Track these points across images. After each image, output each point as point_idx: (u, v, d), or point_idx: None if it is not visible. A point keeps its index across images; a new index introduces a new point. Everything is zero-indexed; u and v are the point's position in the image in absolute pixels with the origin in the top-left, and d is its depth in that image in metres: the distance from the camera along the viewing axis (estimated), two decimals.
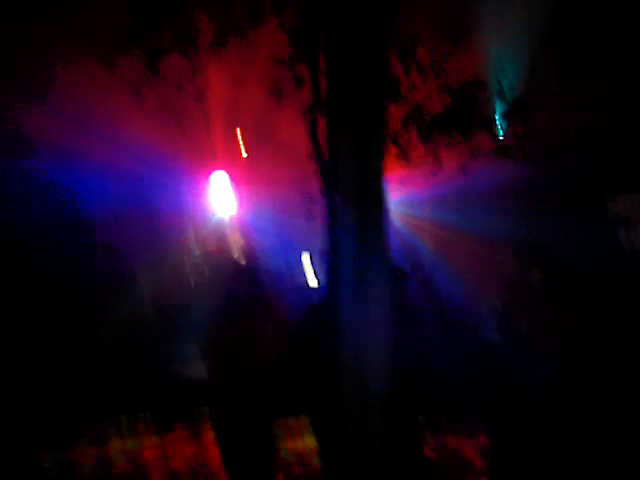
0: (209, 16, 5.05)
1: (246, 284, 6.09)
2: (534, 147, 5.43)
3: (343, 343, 3.78)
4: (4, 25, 8.11)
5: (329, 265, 4.08)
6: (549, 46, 8.90)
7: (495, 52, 8.80)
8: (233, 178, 13.24)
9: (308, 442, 6.07)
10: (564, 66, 9.23)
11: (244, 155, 13.24)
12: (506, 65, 8.88)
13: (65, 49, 8.52)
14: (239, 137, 12.64)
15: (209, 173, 12.87)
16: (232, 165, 13.26)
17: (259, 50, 5.83)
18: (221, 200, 13.20)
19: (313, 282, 6.53)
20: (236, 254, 12.67)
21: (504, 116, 5.43)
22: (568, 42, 8.84)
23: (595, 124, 10.29)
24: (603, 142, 10.76)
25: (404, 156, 5.39)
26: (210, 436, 8.42)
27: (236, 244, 13.66)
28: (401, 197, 13.55)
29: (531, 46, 8.98)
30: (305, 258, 8.86)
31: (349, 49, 3.90)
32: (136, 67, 5.34)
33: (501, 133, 5.55)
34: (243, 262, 12.15)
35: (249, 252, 13.06)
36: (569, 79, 9.24)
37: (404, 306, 5.47)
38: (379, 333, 3.78)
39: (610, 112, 10.22)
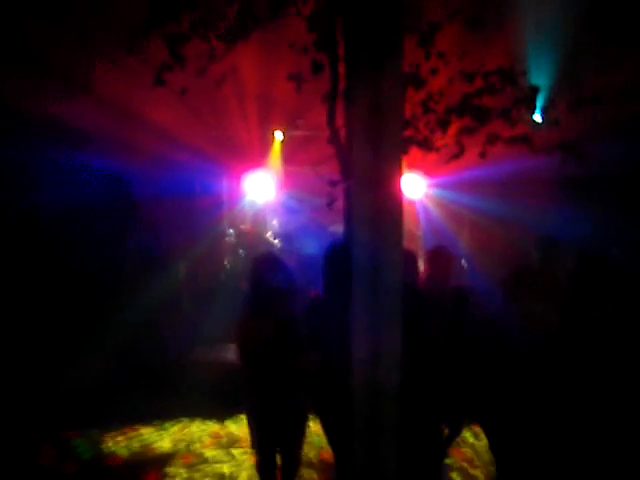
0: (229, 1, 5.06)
1: (278, 267, 6.14)
2: (555, 137, 5.38)
3: (354, 337, 3.79)
4: (43, 20, 8.23)
5: (344, 255, 4.09)
6: (572, 35, 8.82)
7: (517, 40, 8.76)
8: (267, 162, 13.35)
9: None
10: (589, 55, 9.15)
11: (275, 138, 13.34)
12: (529, 53, 8.82)
13: (94, 38, 8.65)
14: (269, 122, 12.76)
15: (244, 158, 13.00)
16: (264, 150, 13.37)
17: (278, 36, 5.84)
18: (256, 183, 13.30)
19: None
20: (270, 236, 12.76)
21: (524, 103, 5.38)
22: (592, 31, 8.75)
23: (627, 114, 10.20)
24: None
25: (423, 142, 5.36)
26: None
27: (270, 225, 13.77)
28: (422, 182, 13.65)
29: (554, 35, 8.91)
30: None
31: (366, 33, 3.90)
32: (159, 54, 5.37)
33: (524, 121, 5.51)
34: (277, 243, 12.25)
35: (283, 233, 13.16)
36: (596, 66, 9.17)
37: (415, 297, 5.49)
38: (391, 328, 3.78)
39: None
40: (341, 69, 4.56)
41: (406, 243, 5.76)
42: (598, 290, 5.37)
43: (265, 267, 6.19)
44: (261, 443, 6.09)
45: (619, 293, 5.34)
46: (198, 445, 8.10)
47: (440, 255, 6.56)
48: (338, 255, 5.27)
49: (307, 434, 6.36)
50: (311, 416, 6.25)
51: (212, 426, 8.69)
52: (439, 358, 5.63)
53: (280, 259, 6.41)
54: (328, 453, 7.12)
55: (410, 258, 6.04)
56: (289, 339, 5.84)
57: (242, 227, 12.55)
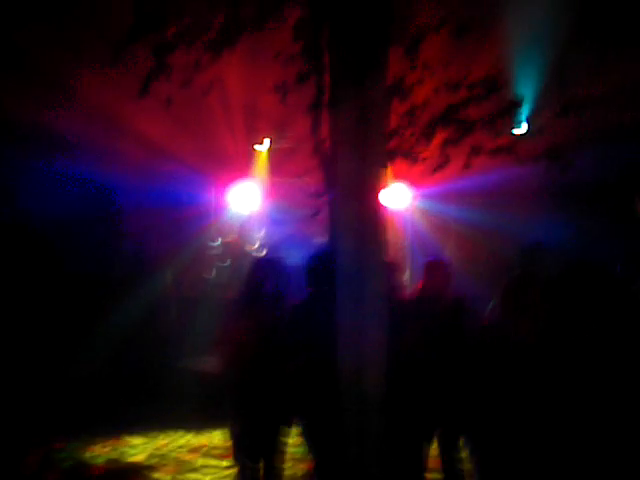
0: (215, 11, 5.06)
1: (265, 276, 6.10)
2: (540, 146, 5.41)
3: (340, 342, 3.78)
4: (31, 28, 8.22)
5: (328, 262, 4.08)
6: (558, 45, 8.86)
7: (502, 50, 8.79)
8: (252, 173, 13.33)
9: None
10: (575, 64, 9.20)
11: (260, 150, 13.33)
12: (513, 64, 8.86)
13: (81, 47, 8.65)
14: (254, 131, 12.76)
15: (230, 169, 12.98)
16: (249, 160, 13.36)
17: (264, 45, 5.85)
18: (242, 194, 13.28)
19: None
20: (255, 246, 12.73)
21: (508, 114, 5.42)
22: (577, 41, 8.79)
23: (609, 122, 10.26)
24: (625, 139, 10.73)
25: (407, 153, 5.38)
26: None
27: (256, 236, 13.74)
28: (408, 193, 13.67)
29: (539, 45, 8.95)
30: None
31: (352, 43, 3.91)
32: (146, 63, 5.36)
33: (508, 131, 5.55)
34: (262, 254, 12.22)
35: (269, 244, 13.14)
36: (580, 76, 9.22)
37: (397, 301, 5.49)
38: (376, 331, 3.78)
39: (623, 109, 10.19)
40: (326, 79, 4.56)
41: (391, 253, 5.74)
42: (583, 298, 5.37)
43: (267, 269, 6.13)
44: (243, 454, 6.06)
45: (604, 300, 5.35)
46: (181, 455, 8.06)
47: (438, 265, 6.55)
48: (321, 264, 5.28)
49: (289, 445, 6.33)
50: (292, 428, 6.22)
51: (196, 436, 8.65)
52: (424, 368, 5.66)
53: (283, 263, 6.33)
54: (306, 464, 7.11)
55: (391, 268, 6.05)
56: (275, 345, 5.82)
57: (228, 239, 12.53)
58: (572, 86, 8.32)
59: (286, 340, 5.71)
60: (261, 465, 6.06)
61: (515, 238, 9.91)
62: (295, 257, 12.15)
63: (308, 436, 5.62)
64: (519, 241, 9.27)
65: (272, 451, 6.05)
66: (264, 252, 12.37)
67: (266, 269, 6.11)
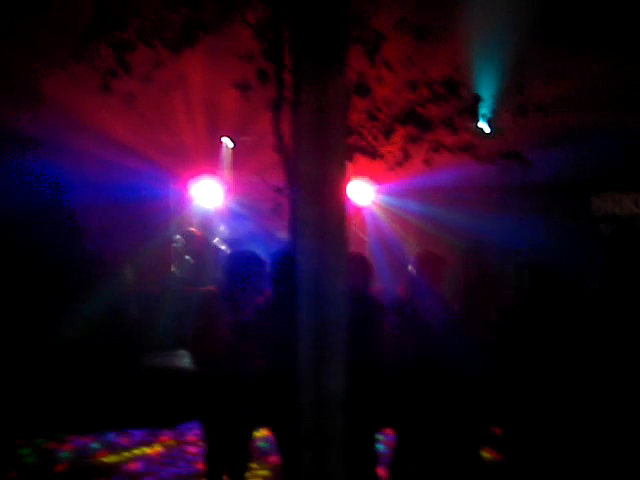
0: (175, 10, 5.07)
1: (247, 270, 6.06)
2: (499, 146, 5.49)
3: (300, 343, 3.80)
4: None
5: (288, 261, 4.11)
6: (517, 46, 8.97)
7: (462, 50, 8.87)
8: (215, 169, 13.32)
9: None
10: (534, 65, 9.31)
11: (223, 145, 13.33)
12: (474, 63, 8.95)
13: (41, 43, 8.58)
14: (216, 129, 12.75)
15: (192, 164, 12.96)
16: (212, 156, 13.35)
17: (225, 45, 5.86)
18: (204, 189, 13.26)
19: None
20: (217, 241, 12.72)
21: (467, 113, 5.48)
22: (536, 42, 8.90)
23: (567, 123, 10.40)
24: (582, 140, 10.89)
25: (368, 149, 5.43)
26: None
27: (218, 231, 13.73)
28: (369, 189, 13.75)
29: (499, 45, 9.05)
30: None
31: (311, 41, 3.94)
32: (106, 62, 5.35)
33: (468, 130, 5.61)
34: (225, 249, 12.20)
35: (231, 239, 13.13)
36: (539, 76, 9.33)
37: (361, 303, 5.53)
38: (336, 334, 3.81)
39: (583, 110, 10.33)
40: (287, 78, 4.60)
41: (353, 249, 5.77)
42: (541, 297, 5.46)
43: (244, 264, 6.10)
44: (211, 448, 6.08)
45: (555, 300, 5.44)
46: (148, 451, 8.07)
47: (431, 258, 6.53)
48: (285, 262, 5.31)
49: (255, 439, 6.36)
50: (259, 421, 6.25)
51: (161, 432, 8.65)
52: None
53: (260, 258, 6.28)
54: (274, 458, 7.15)
55: (364, 262, 6.08)
56: (246, 343, 5.83)
57: (190, 229, 12.48)
58: (530, 87, 8.41)
59: (253, 340, 5.74)
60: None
61: (474, 235, 10.03)
62: (258, 252, 12.22)
63: (274, 436, 5.69)
64: (474, 238, 9.43)
65: (238, 447, 6.08)
66: (226, 247, 12.37)
67: (247, 264, 6.09)
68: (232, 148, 13.39)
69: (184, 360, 6.04)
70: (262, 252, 12.32)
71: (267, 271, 6.05)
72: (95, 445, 8.22)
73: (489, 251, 7.45)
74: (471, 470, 5.88)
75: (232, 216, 14.34)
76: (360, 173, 12.98)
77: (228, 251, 12.32)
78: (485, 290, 6.26)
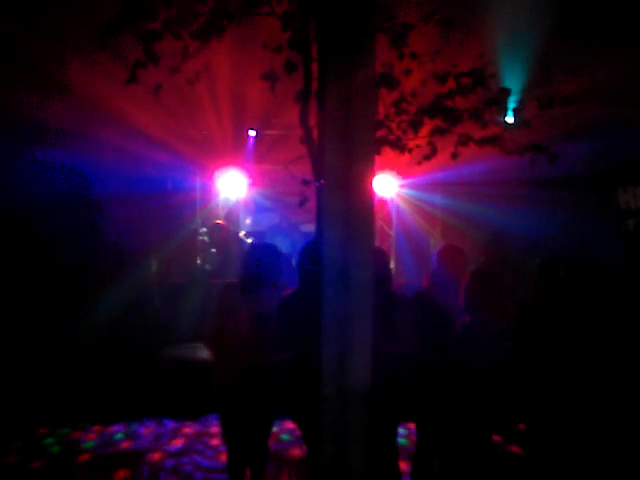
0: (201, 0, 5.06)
1: (264, 263, 6.07)
2: (526, 138, 5.43)
3: (325, 334, 3.79)
4: (15, 18, 8.18)
5: (314, 253, 4.10)
6: (544, 38, 8.90)
7: (490, 42, 8.82)
8: (241, 161, 13.35)
9: None
10: (561, 57, 9.24)
11: (249, 137, 13.33)
12: (501, 55, 8.89)
13: (67, 35, 8.61)
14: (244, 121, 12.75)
15: (217, 156, 12.98)
16: (238, 148, 13.36)
17: (252, 35, 5.85)
18: (230, 181, 13.28)
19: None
20: (243, 234, 12.74)
21: (495, 105, 5.42)
22: (563, 34, 8.83)
23: (593, 115, 10.31)
24: (609, 134, 10.80)
25: (396, 143, 5.39)
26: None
27: (243, 223, 13.78)
28: (395, 182, 13.72)
29: (526, 37, 8.98)
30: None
31: (338, 32, 3.92)
32: (133, 51, 5.34)
33: (495, 122, 5.56)
34: (249, 241, 12.23)
35: (257, 232, 13.17)
36: (566, 69, 9.27)
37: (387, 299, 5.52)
38: (362, 326, 3.79)
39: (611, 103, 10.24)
40: (314, 68, 4.57)
41: (378, 242, 5.74)
42: (561, 292, 5.42)
43: (266, 256, 6.11)
44: (231, 440, 6.09)
45: (584, 294, 5.40)
46: (169, 441, 8.10)
47: (452, 252, 6.51)
48: (312, 254, 5.29)
49: (277, 431, 6.36)
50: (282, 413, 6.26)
51: (184, 423, 8.69)
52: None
53: (279, 250, 6.29)
54: (297, 450, 7.16)
55: (383, 256, 6.07)
56: (265, 336, 5.83)
57: (216, 221, 12.50)
58: (557, 79, 8.37)
59: (276, 333, 5.73)
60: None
61: (500, 229, 9.99)
62: (282, 244, 12.24)
63: (299, 427, 5.69)
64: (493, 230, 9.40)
65: (258, 436, 6.09)
66: (251, 239, 12.40)
67: (265, 256, 6.09)
68: (258, 140, 13.39)
69: (207, 352, 6.04)
70: (287, 244, 12.39)
71: (285, 263, 6.06)
72: (119, 435, 8.27)
73: (509, 243, 7.41)
74: (489, 462, 5.85)
75: (257, 208, 14.38)
76: (386, 166, 12.97)
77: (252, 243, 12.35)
78: (501, 281, 6.23)
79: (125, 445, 8.00)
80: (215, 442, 7.88)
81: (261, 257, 6.05)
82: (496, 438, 6.27)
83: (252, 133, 13.26)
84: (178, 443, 8.06)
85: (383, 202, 13.98)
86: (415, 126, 5.28)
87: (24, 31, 8.67)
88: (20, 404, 8.49)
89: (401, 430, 6.87)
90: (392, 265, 6.27)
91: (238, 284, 6.04)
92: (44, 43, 8.91)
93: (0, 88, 9.32)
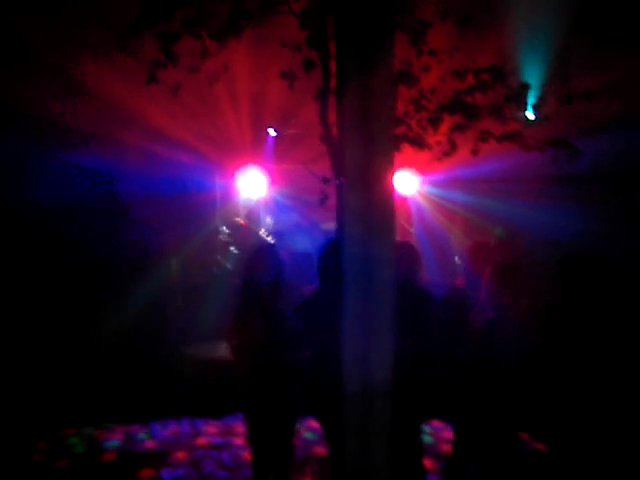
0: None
1: (270, 260, 6.08)
2: (545, 133, 5.41)
3: (346, 331, 3.79)
4: (34, 18, 8.22)
5: (335, 252, 4.10)
6: (564, 33, 8.85)
7: (509, 38, 8.77)
8: (260, 159, 13.36)
9: None
10: (580, 52, 9.18)
11: (269, 136, 13.35)
12: (520, 51, 8.84)
13: (87, 36, 8.66)
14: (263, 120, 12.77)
15: (237, 156, 13.00)
16: (258, 147, 13.38)
17: (270, 34, 5.86)
18: (250, 180, 13.30)
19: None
20: (263, 231, 12.76)
21: (514, 101, 5.41)
22: (583, 29, 8.77)
23: (614, 111, 10.24)
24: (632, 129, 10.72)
25: (416, 139, 5.39)
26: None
27: (264, 222, 13.78)
28: (415, 179, 13.69)
29: (545, 33, 8.93)
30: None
31: (357, 30, 3.92)
32: (152, 51, 5.38)
33: (515, 118, 5.55)
34: (270, 240, 12.24)
35: (276, 231, 13.17)
36: (585, 65, 9.20)
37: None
38: (383, 323, 3.79)
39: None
40: (333, 66, 4.58)
41: (399, 239, 5.72)
42: (584, 289, 5.39)
43: (258, 259, 6.13)
44: (256, 439, 6.10)
45: (607, 292, 5.37)
46: (194, 440, 8.12)
47: (482, 249, 6.45)
48: (332, 252, 5.29)
49: (300, 430, 6.35)
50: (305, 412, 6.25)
51: (207, 422, 8.70)
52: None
53: (274, 251, 6.31)
54: (320, 449, 7.16)
55: (412, 251, 6.03)
56: (280, 334, 5.83)
57: (237, 219, 12.52)
58: (577, 75, 8.31)
59: (293, 331, 5.73)
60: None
61: (521, 226, 9.94)
62: (302, 244, 12.24)
63: (322, 425, 5.69)
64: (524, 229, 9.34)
65: (282, 435, 6.09)
66: (271, 238, 12.41)
67: (260, 258, 6.10)
68: (277, 139, 13.40)
69: (228, 351, 6.05)
70: (307, 243, 12.37)
71: (305, 262, 6.06)
72: (142, 435, 8.29)
73: (525, 239, 7.37)
74: (519, 460, 5.81)
75: (277, 207, 14.37)
76: (405, 164, 12.94)
77: (273, 242, 12.36)
78: (525, 275, 6.18)
79: (149, 444, 8.02)
80: (239, 441, 7.88)
81: (258, 260, 6.08)
82: (522, 435, 6.20)
83: (272, 132, 13.26)
84: (202, 442, 8.06)
85: (403, 199, 13.95)
86: (434, 123, 5.29)
87: (44, 34, 8.72)
88: (44, 404, 8.55)
89: (426, 428, 6.83)
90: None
91: (249, 283, 6.06)
92: (65, 45, 8.96)
93: (23, 92, 9.37)
